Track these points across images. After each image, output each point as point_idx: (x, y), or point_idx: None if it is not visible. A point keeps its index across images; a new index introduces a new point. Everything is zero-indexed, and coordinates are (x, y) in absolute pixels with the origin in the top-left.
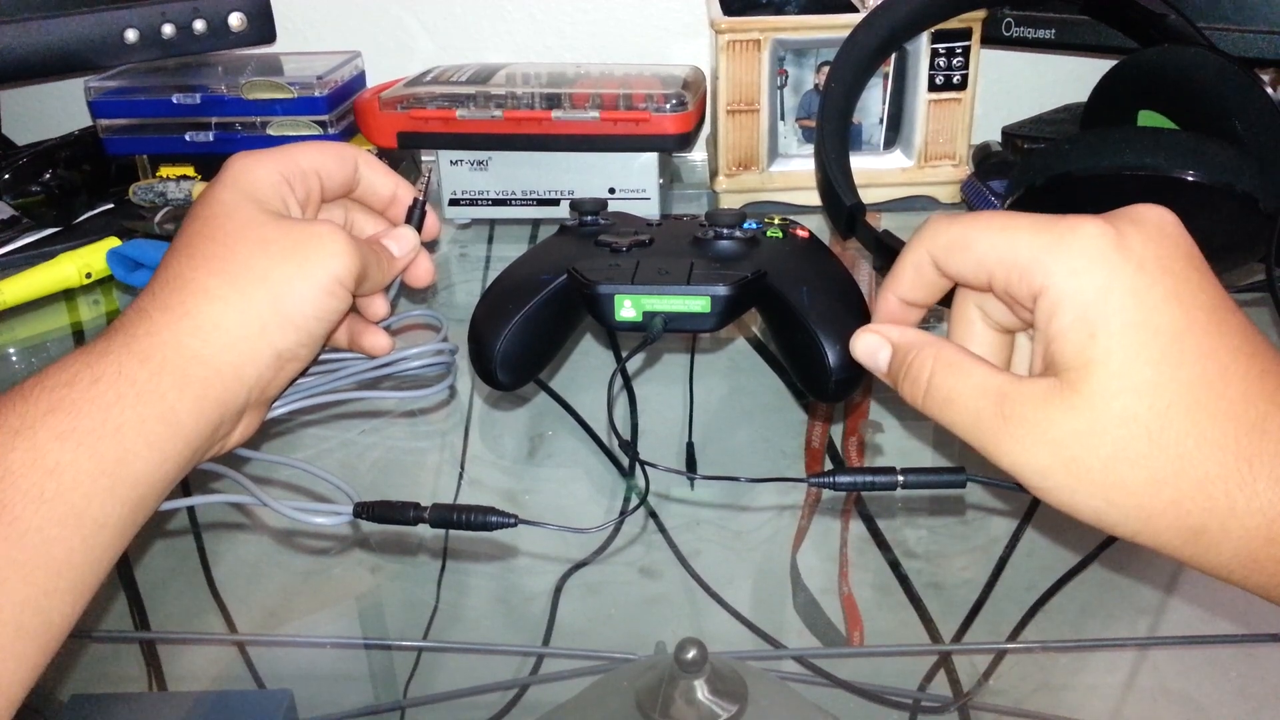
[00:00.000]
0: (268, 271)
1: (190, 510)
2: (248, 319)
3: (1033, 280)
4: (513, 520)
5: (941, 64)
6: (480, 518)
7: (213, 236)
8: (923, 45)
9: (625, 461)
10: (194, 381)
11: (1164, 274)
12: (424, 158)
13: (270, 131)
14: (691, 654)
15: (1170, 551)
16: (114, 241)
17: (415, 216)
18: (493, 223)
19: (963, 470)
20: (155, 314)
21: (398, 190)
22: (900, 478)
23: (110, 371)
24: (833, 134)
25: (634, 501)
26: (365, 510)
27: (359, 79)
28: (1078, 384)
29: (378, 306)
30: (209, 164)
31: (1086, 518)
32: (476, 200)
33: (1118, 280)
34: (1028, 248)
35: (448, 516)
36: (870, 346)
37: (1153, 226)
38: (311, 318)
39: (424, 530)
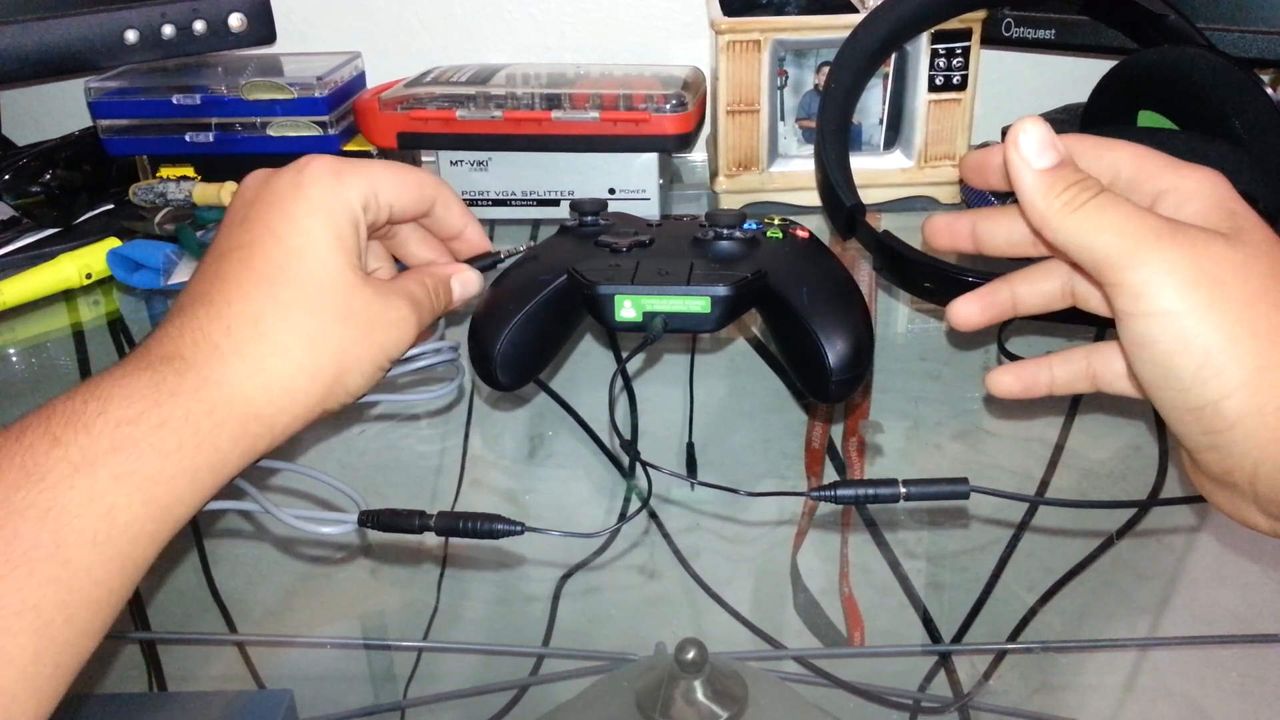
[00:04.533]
0: (344, 347)
1: None
2: (314, 385)
3: (1162, 179)
4: (519, 528)
5: (941, 64)
6: (486, 525)
7: (299, 282)
8: (923, 45)
9: (626, 462)
10: (248, 436)
11: None
12: (425, 158)
13: (270, 132)
14: (691, 654)
15: (1261, 420)
16: (114, 242)
17: (485, 265)
18: (493, 223)
19: (965, 481)
20: (232, 360)
21: (466, 230)
22: (903, 489)
23: (177, 416)
24: (833, 134)
25: (634, 502)
26: (370, 519)
27: (359, 79)
28: (1232, 236)
29: None
30: (209, 164)
31: (1194, 357)
32: (477, 200)
33: (1237, 196)
34: (1161, 157)
35: (453, 524)
36: (1044, 140)
37: None
38: (363, 389)
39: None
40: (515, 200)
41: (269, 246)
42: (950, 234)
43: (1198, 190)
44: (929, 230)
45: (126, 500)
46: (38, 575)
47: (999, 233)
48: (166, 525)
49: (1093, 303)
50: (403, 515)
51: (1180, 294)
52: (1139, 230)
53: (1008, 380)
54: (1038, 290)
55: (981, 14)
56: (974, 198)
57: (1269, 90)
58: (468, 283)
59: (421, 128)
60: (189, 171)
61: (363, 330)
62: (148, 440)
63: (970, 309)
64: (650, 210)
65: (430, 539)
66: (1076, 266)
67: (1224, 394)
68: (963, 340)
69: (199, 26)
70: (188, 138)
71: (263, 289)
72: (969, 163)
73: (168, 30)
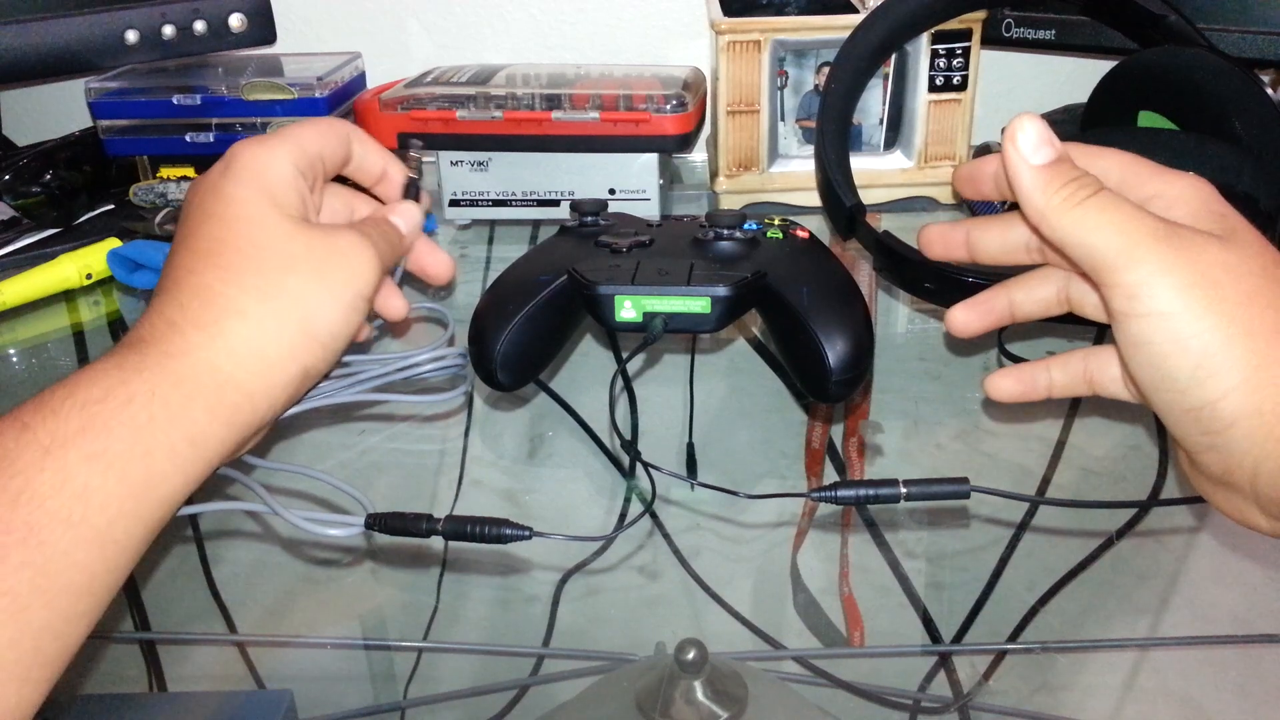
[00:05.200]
0: (300, 292)
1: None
2: (280, 341)
3: (1149, 185)
4: (527, 533)
5: (942, 65)
6: (495, 530)
7: (238, 246)
8: (923, 46)
9: (626, 462)
10: (225, 406)
11: None
12: (413, 155)
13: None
14: (691, 654)
15: (1259, 419)
16: (114, 242)
17: (412, 193)
18: (493, 223)
19: (966, 481)
20: (190, 332)
21: (388, 167)
22: (903, 489)
23: (143, 391)
24: (833, 135)
25: (635, 503)
26: (377, 522)
27: (359, 80)
28: (1225, 238)
29: (396, 304)
30: (209, 165)
31: (1191, 357)
32: (477, 201)
33: (1223, 200)
34: (1147, 164)
35: (461, 529)
36: (1042, 136)
37: None
38: (339, 336)
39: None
40: (515, 201)
41: (207, 227)
42: (945, 243)
43: (1184, 195)
44: (924, 240)
45: (100, 480)
46: (10, 560)
47: (993, 241)
48: (148, 504)
49: (1088, 308)
50: (410, 519)
51: (1176, 294)
52: (1137, 230)
53: (1006, 384)
54: (1034, 297)
55: (981, 14)
56: (974, 199)
57: (1269, 90)
58: (406, 214)
59: (422, 128)
60: (189, 172)
61: (316, 270)
62: (116, 418)
63: (968, 316)
64: (650, 210)
65: (432, 539)
66: (1073, 265)
67: (1221, 394)
68: (961, 346)
69: (199, 27)
70: (188, 138)
71: (207, 263)
72: (961, 175)
73: (168, 30)
